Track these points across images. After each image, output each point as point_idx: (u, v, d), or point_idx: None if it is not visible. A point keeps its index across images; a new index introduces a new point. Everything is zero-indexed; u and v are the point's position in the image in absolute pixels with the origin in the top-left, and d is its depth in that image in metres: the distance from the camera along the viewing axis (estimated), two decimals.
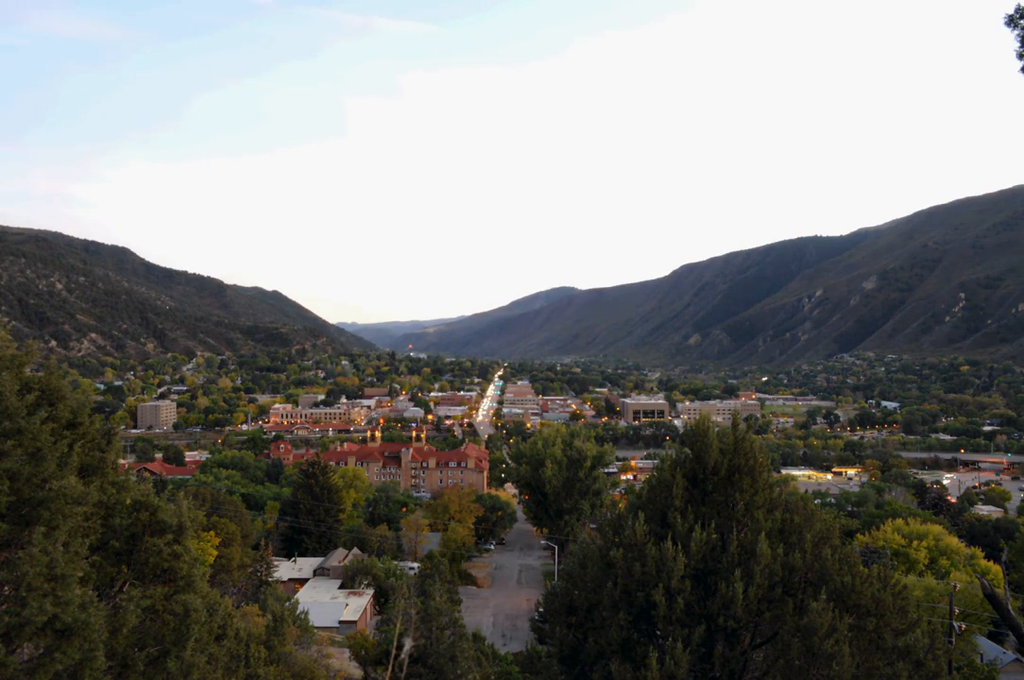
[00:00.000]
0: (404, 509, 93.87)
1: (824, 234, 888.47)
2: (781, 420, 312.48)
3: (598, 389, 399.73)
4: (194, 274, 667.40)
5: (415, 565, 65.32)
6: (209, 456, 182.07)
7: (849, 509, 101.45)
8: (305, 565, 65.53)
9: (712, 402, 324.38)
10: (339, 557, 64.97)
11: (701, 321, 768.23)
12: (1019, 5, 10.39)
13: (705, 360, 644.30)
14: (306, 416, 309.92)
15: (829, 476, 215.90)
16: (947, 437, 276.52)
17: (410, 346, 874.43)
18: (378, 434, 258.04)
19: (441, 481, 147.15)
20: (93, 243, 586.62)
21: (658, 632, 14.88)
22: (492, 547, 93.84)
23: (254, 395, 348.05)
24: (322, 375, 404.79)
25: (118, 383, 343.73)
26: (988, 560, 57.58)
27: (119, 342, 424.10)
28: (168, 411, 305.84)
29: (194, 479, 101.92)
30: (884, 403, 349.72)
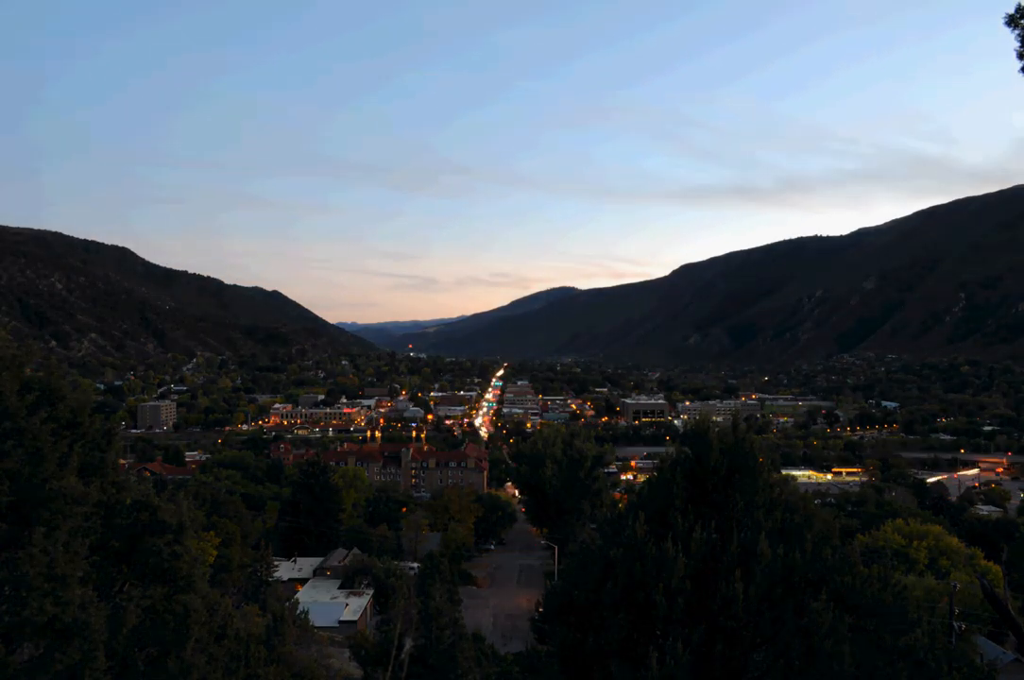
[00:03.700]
0: (404, 509, 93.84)
1: (824, 234, 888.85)
2: (781, 420, 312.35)
3: (598, 389, 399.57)
4: (194, 274, 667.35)
5: (415, 565, 65.26)
6: (209, 456, 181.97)
7: (849, 509, 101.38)
8: (305, 565, 65.52)
9: (712, 402, 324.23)
10: (339, 557, 64.95)
11: (701, 321, 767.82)
12: (1019, 5, 10.38)
13: (705, 360, 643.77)
14: (306, 416, 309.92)
15: (829, 476, 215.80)
16: (947, 437, 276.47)
17: (410, 346, 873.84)
18: (378, 434, 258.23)
19: (441, 481, 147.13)
20: (93, 243, 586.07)
21: (658, 632, 14.87)
22: (492, 547, 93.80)
23: (254, 395, 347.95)
24: (322, 375, 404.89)
25: (118, 383, 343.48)
26: (988, 560, 57.56)
27: (119, 342, 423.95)
28: (168, 411, 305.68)
29: (194, 479, 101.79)
30: (884, 403, 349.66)
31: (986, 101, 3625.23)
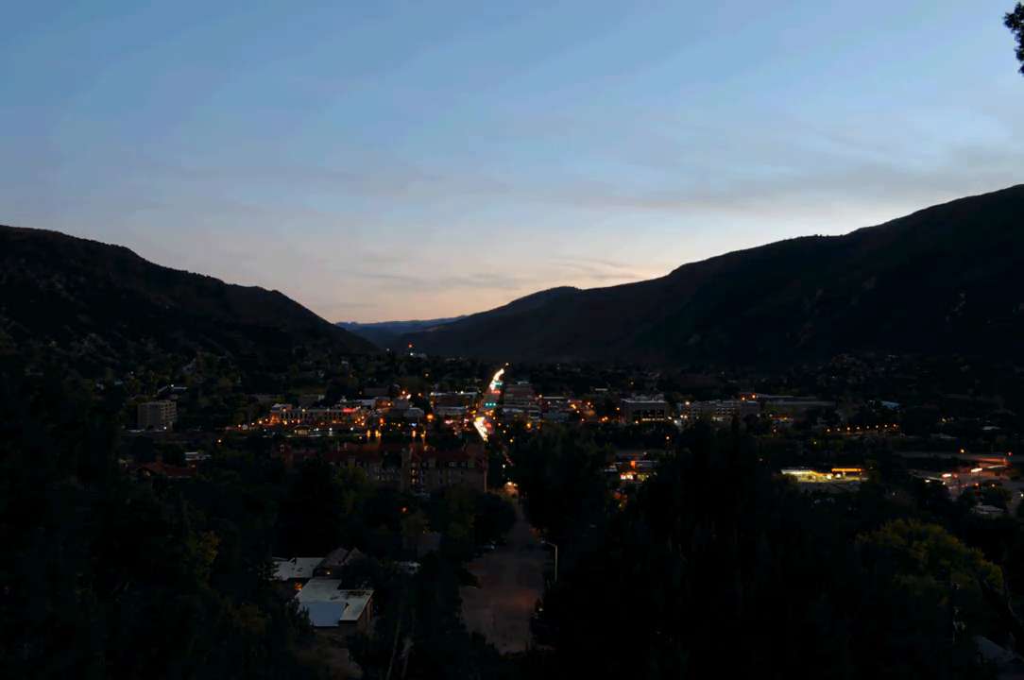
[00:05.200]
0: (404, 509, 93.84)
1: (824, 234, 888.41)
2: (781, 420, 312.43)
3: (598, 389, 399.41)
4: (194, 274, 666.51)
5: (415, 565, 65.29)
6: (209, 456, 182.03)
7: (849, 509, 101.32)
8: (305, 565, 65.48)
9: (712, 402, 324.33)
10: (339, 557, 64.91)
11: (701, 321, 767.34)
12: (1019, 5, 10.39)
13: (705, 360, 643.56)
14: (306, 416, 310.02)
15: (829, 476, 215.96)
16: (947, 437, 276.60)
17: (410, 346, 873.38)
18: (378, 434, 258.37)
19: (441, 481, 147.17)
20: (93, 243, 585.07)
21: (658, 632, 14.86)
22: (492, 547, 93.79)
23: (254, 395, 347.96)
24: (322, 375, 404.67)
25: (118, 383, 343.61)
26: (988, 560, 57.53)
27: (119, 342, 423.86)
28: (168, 411, 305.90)
29: (194, 479, 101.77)
30: (884, 403, 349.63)
31: (919, 112, 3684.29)
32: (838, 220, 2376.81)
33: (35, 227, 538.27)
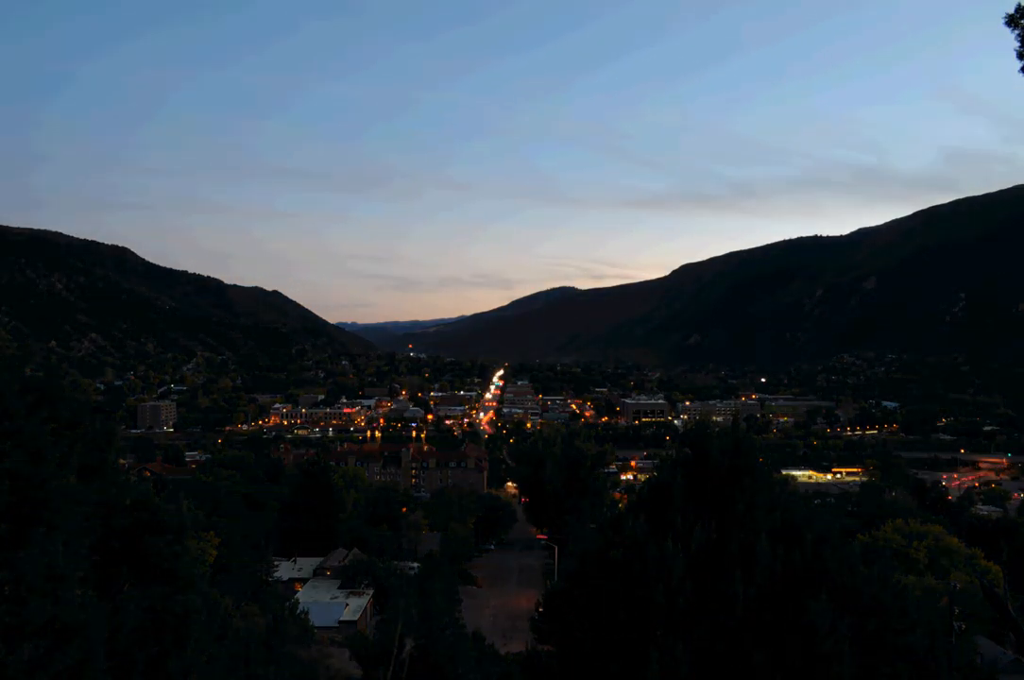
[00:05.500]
0: (404, 509, 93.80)
1: (824, 234, 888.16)
2: (781, 420, 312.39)
3: (598, 389, 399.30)
4: (194, 274, 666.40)
5: (415, 565, 65.27)
6: (209, 456, 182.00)
7: (849, 509, 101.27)
8: (305, 565, 65.49)
9: (712, 402, 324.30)
10: (339, 557, 64.91)
11: (701, 321, 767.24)
12: (1019, 5, 10.39)
13: (705, 360, 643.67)
14: (306, 416, 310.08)
15: (829, 476, 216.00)
16: (947, 437, 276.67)
17: (410, 346, 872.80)
18: (378, 434, 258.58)
19: (441, 481, 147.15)
20: (93, 243, 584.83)
21: (658, 632, 14.86)
22: (492, 547, 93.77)
23: (254, 395, 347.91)
24: (322, 375, 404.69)
25: (118, 383, 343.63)
26: (988, 560, 57.55)
27: (119, 342, 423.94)
28: (168, 411, 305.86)
29: (194, 479, 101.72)
30: (884, 403, 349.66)
31: (906, 114, 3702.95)
32: (838, 220, 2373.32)
33: (35, 227, 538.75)
